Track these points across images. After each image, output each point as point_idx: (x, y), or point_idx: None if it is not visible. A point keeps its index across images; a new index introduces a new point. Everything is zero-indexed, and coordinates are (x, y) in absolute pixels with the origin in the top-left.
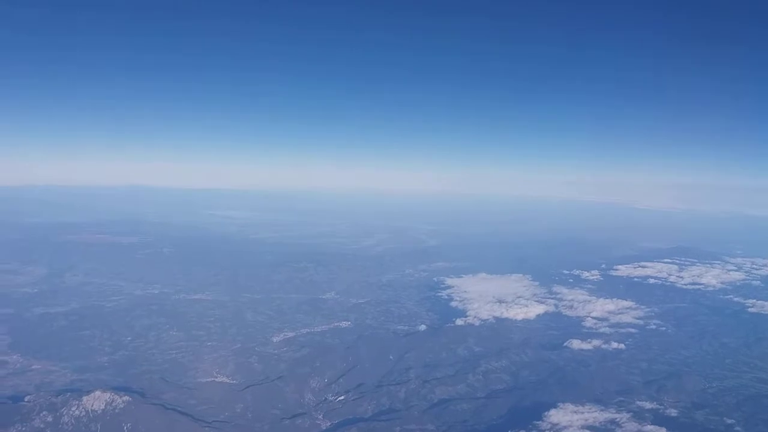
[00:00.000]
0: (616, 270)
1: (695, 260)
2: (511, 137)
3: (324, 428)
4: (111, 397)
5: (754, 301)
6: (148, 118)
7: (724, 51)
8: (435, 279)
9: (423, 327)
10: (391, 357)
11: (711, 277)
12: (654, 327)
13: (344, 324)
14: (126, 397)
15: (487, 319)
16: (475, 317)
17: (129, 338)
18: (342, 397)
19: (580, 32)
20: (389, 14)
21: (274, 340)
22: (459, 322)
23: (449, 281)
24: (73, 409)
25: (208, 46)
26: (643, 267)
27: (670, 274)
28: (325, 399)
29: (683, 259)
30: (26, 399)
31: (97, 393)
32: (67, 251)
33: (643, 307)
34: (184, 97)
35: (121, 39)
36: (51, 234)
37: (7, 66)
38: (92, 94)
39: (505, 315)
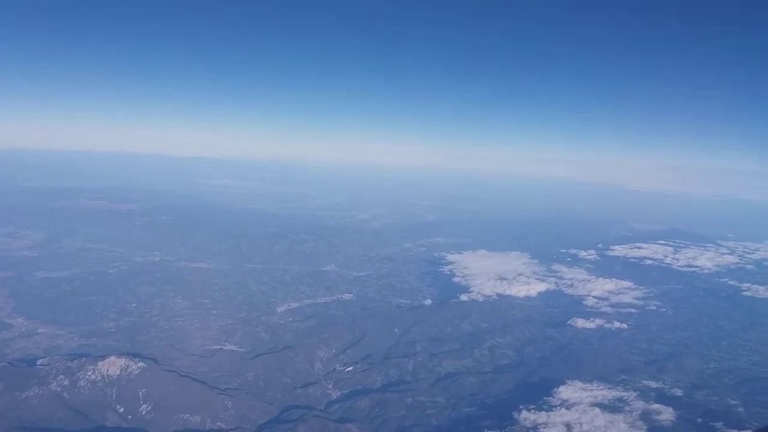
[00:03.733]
0: (613, 250)
1: (689, 243)
2: (505, 114)
3: (335, 397)
4: (126, 362)
5: (749, 285)
6: (139, 83)
7: (720, 33)
8: (435, 254)
9: (428, 302)
10: (396, 330)
11: (705, 260)
12: (654, 308)
13: (346, 296)
14: (141, 363)
15: (490, 296)
16: (478, 293)
17: (134, 305)
18: (350, 368)
19: (574, 11)
20: None
21: (279, 310)
22: (463, 297)
23: (450, 257)
24: (89, 373)
25: (205, 9)
26: (639, 248)
27: (665, 256)
28: (334, 369)
29: (678, 241)
30: (39, 362)
31: (112, 358)
32: (64, 216)
33: (641, 287)
34: (176, 63)
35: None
36: (46, 198)
37: None
38: (84, 57)
39: (508, 292)
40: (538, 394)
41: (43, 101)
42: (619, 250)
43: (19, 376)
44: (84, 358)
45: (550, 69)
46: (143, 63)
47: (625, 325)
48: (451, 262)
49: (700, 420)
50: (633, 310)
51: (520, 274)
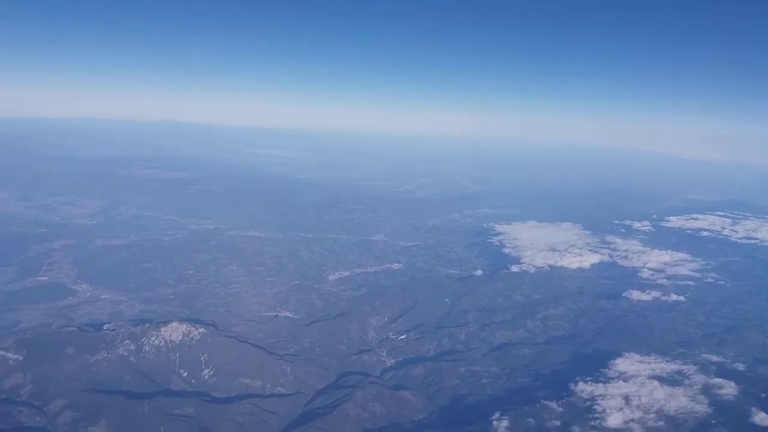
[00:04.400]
0: (668, 221)
1: (748, 214)
2: (549, 80)
3: (389, 365)
4: (187, 328)
5: None
6: (189, 54)
7: None
8: (484, 225)
9: (479, 272)
10: (446, 300)
11: (766, 231)
12: (711, 280)
13: (396, 266)
14: (202, 329)
15: (542, 267)
16: (529, 264)
17: (190, 272)
18: (403, 336)
19: None
20: None
21: (330, 278)
22: (514, 268)
23: (499, 228)
24: (153, 339)
25: None
26: (695, 219)
27: (723, 228)
28: (387, 337)
29: (736, 212)
30: (105, 327)
31: (174, 324)
32: (119, 185)
33: (698, 259)
34: (225, 33)
35: None
36: (101, 168)
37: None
38: (134, 27)
39: (560, 263)
40: (594, 365)
41: (94, 71)
42: (674, 222)
43: (88, 340)
44: (147, 324)
45: (601, 33)
46: (193, 34)
47: (682, 298)
48: (500, 233)
49: (764, 395)
50: (690, 283)
51: (572, 246)
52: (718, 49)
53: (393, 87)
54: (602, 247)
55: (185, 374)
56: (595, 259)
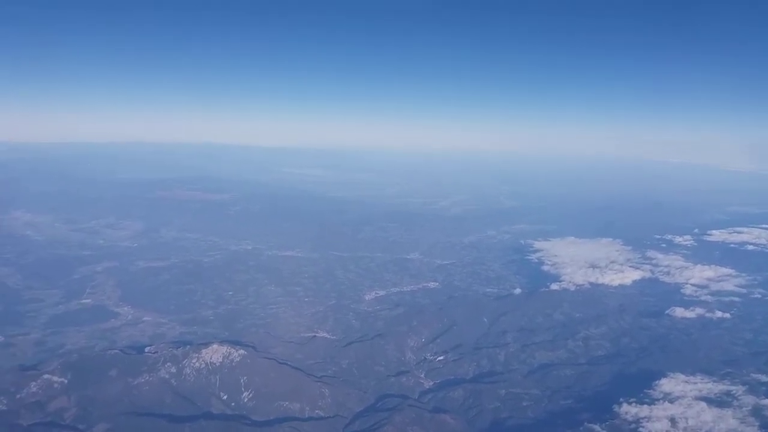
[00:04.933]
0: (710, 235)
1: None
2: (580, 93)
3: (428, 387)
4: (228, 350)
5: None
6: (224, 78)
7: None
8: (521, 242)
9: (518, 290)
10: (485, 319)
11: None
12: (758, 296)
13: (432, 284)
14: (241, 351)
15: (582, 285)
16: (569, 282)
17: (230, 293)
18: (441, 357)
19: None
20: None
21: (367, 298)
22: (554, 286)
23: (537, 244)
24: (194, 361)
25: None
26: (739, 232)
27: None
28: (425, 358)
29: None
30: (147, 350)
31: (215, 346)
32: (160, 207)
33: (744, 274)
34: (258, 56)
35: None
36: (142, 190)
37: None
38: (169, 52)
39: (600, 280)
40: (638, 386)
41: (133, 96)
42: (717, 235)
43: (130, 363)
44: (188, 346)
45: (629, 43)
46: (226, 58)
47: (727, 315)
48: (538, 250)
49: None
50: (735, 299)
51: (612, 262)
52: (751, 56)
53: (421, 103)
54: (643, 263)
55: (225, 397)
56: (636, 275)
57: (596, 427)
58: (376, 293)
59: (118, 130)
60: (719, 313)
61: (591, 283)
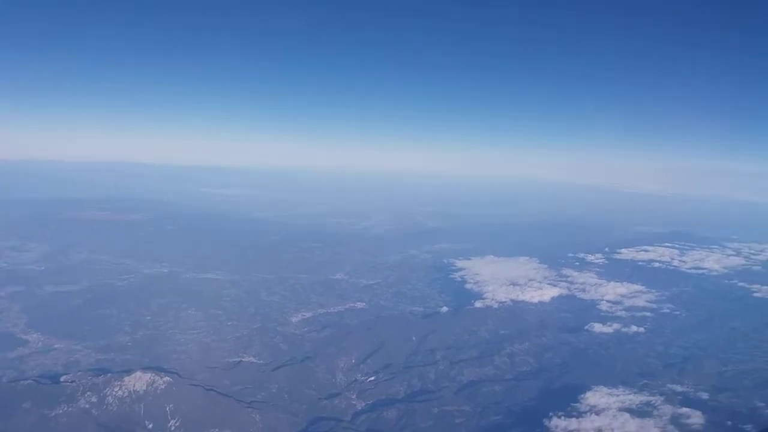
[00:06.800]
0: (620, 253)
1: (694, 245)
2: (503, 120)
3: (360, 408)
4: (152, 377)
5: (759, 286)
6: (136, 91)
7: (717, 35)
8: (444, 261)
9: (444, 309)
10: (413, 338)
11: (712, 261)
12: (667, 311)
13: (359, 305)
14: (166, 378)
15: (505, 302)
16: (492, 299)
17: (148, 317)
18: (372, 378)
19: (573, 18)
20: None
21: (293, 320)
22: (478, 304)
23: (459, 263)
24: (116, 389)
25: (203, 15)
26: (645, 251)
27: (672, 258)
28: (356, 379)
29: (682, 243)
30: (63, 379)
31: (138, 373)
32: (68, 228)
33: (653, 290)
34: (173, 70)
35: (114, 11)
36: (50, 210)
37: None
38: (80, 64)
39: (521, 297)
40: (565, 400)
41: (40, 110)
42: (625, 253)
43: (45, 393)
44: (110, 374)
45: (546, 72)
46: (139, 70)
47: (641, 329)
48: (460, 269)
49: (729, 423)
50: (647, 314)
51: (531, 280)
52: (663, 86)
53: (345, 124)
54: (560, 281)
55: (151, 426)
56: (554, 292)
57: None
58: (302, 315)
59: (23, 146)
60: (634, 328)
61: (513, 300)
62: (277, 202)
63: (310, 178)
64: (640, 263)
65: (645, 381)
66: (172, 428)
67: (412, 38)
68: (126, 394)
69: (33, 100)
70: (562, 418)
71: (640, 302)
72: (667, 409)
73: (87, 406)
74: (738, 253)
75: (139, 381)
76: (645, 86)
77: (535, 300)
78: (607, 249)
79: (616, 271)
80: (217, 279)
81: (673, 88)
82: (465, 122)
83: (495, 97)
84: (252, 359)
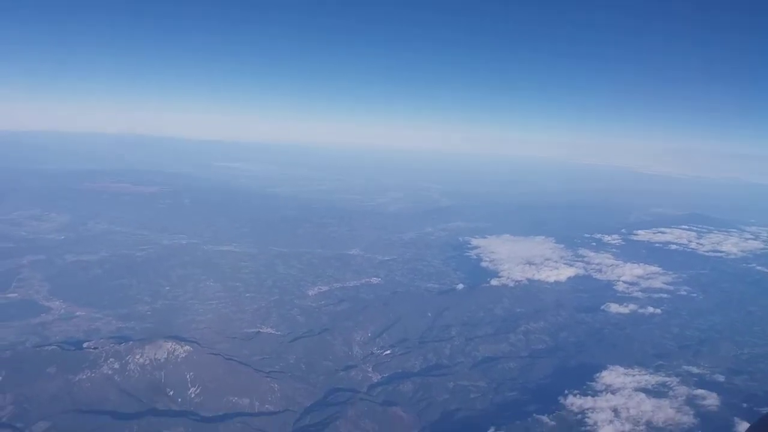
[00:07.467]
0: (636, 235)
1: (712, 227)
2: (516, 97)
3: (376, 381)
4: (173, 346)
5: None
6: (153, 64)
7: (734, 17)
8: (459, 239)
9: (460, 286)
10: (429, 314)
11: (730, 245)
12: (684, 293)
13: (374, 280)
14: (187, 347)
15: (521, 281)
16: (508, 278)
17: (167, 288)
18: (388, 351)
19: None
20: None
21: (310, 293)
22: (493, 282)
23: (474, 241)
24: (138, 357)
25: None
26: (663, 233)
27: (690, 241)
28: (372, 353)
29: (700, 226)
30: (85, 345)
31: (159, 342)
32: (87, 199)
33: (670, 272)
34: (189, 44)
35: None
36: (69, 181)
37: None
38: (96, 36)
39: (537, 277)
40: (580, 378)
41: (57, 82)
42: (642, 235)
43: (69, 359)
44: (131, 342)
45: (564, 52)
46: (155, 45)
47: (658, 310)
48: (476, 247)
49: (745, 405)
50: (664, 295)
51: (547, 259)
52: (669, 70)
53: (359, 101)
54: (576, 261)
55: (171, 393)
56: (570, 272)
57: (544, 418)
58: (319, 288)
59: (43, 119)
60: (650, 309)
61: (528, 279)
62: (291, 177)
63: (324, 155)
64: (657, 245)
65: (661, 362)
66: (192, 395)
67: (425, 16)
68: (147, 361)
69: (42, 69)
70: (578, 396)
71: (657, 284)
72: (683, 390)
73: (110, 372)
74: (756, 237)
75: (160, 349)
76: (661, 66)
77: (551, 279)
78: (623, 230)
79: (632, 252)
80: (234, 251)
81: (690, 69)
82: (480, 100)
83: (510, 77)
84: (270, 330)
